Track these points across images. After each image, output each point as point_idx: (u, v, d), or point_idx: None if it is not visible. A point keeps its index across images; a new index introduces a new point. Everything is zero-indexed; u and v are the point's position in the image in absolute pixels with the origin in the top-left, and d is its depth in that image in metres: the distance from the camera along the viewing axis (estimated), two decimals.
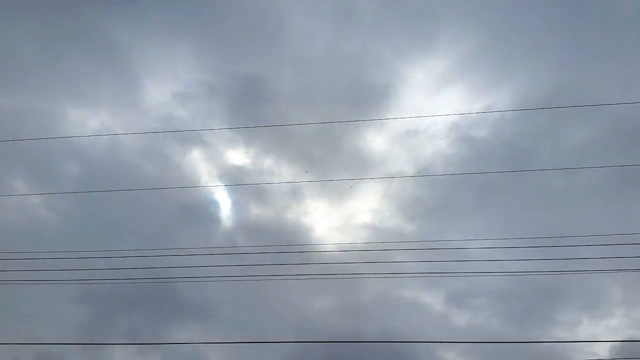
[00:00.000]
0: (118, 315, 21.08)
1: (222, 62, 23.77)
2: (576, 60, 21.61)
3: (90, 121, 23.23)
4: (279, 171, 24.25)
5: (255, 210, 24.11)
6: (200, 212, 23.78)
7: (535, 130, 20.97)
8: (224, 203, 25.14)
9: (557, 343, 15.87)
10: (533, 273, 14.19)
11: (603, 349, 14.17)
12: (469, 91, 23.09)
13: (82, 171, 22.31)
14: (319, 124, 20.09)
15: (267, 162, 24.43)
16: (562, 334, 17.89)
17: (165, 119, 23.49)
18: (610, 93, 20.40)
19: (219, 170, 24.62)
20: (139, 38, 24.82)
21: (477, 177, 20.35)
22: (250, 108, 23.63)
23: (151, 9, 24.17)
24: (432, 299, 22.75)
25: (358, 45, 23.62)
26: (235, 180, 25.04)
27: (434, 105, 23.80)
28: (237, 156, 24.57)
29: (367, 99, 23.18)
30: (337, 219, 23.96)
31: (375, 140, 23.32)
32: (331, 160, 23.30)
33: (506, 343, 12.17)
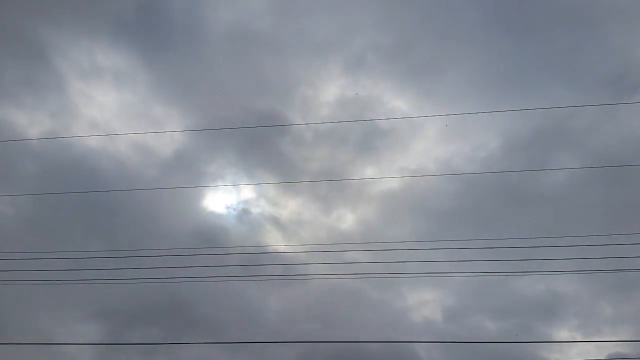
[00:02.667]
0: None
1: (237, 98, 25.00)
2: (561, 96, 23.37)
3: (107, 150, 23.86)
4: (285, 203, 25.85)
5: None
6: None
7: (523, 165, 22.80)
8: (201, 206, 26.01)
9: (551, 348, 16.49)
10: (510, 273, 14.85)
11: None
12: (463, 131, 24.83)
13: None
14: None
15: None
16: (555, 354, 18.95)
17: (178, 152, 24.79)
18: (595, 126, 22.45)
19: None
20: (151, 70, 25.71)
21: (470, 209, 22.23)
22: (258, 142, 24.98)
23: (168, 48, 25.47)
24: (429, 315, 24.39)
25: (365, 91, 25.75)
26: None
27: (433, 146, 25.63)
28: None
29: (370, 139, 25.25)
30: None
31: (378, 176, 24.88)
32: (335, 195, 25.27)
33: (502, 343, 12.62)
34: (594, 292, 22.79)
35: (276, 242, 24.47)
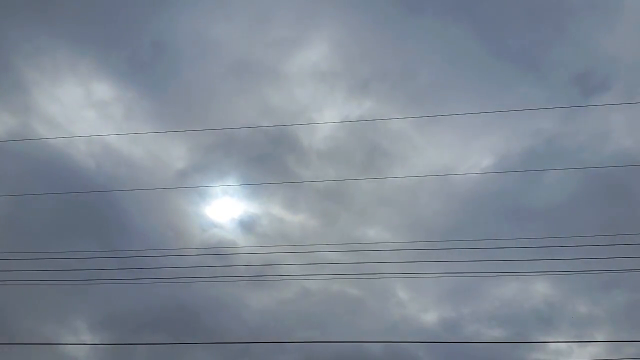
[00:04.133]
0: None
1: (245, 119, 26.18)
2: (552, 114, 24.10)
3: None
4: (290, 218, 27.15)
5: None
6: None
7: (516, 184, 23.81)
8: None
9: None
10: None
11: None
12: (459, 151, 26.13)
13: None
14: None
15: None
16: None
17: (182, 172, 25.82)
18: (588, 144, 23.36)
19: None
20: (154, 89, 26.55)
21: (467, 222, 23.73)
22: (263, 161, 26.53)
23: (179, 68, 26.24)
24: (427, 322, 25.10)
25: (369, 114, 26.83)
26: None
27: (432, 165, 26.58)
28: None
29: (373, 159, 26.67)
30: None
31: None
32: (340, 214, 26.77)
33: (502, 343, 12.82)
34: (590, 299, 23.25)
35: (279, 250, 25.31)
